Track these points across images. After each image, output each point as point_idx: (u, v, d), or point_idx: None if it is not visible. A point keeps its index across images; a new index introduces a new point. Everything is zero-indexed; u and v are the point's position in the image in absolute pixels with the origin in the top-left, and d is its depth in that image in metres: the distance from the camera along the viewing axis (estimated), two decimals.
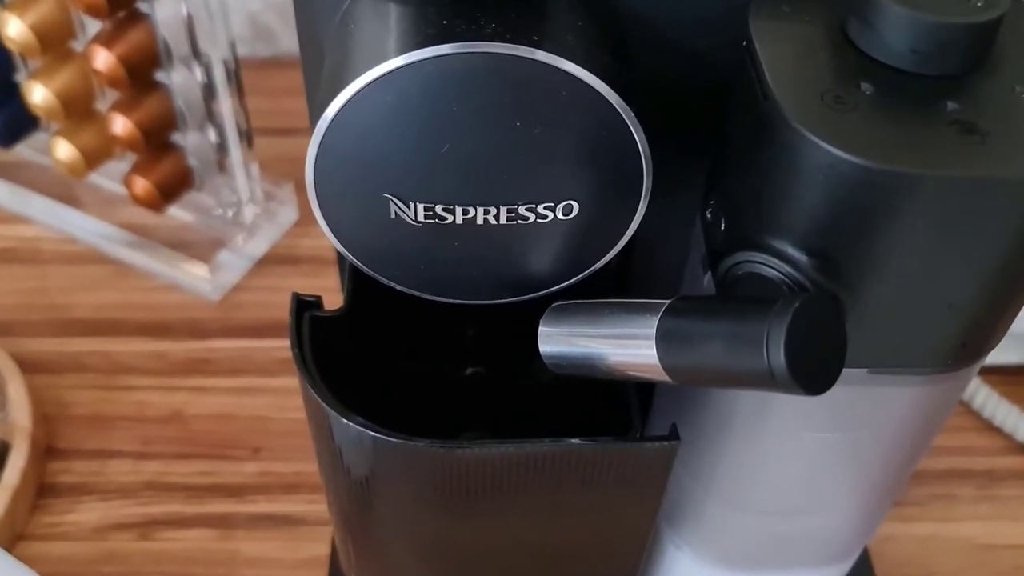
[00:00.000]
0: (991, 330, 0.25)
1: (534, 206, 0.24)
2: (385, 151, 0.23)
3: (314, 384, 0.28)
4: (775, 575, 0.34)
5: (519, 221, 0.24)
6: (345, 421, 0.27)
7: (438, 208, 0.24)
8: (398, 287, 0.27)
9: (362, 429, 0.27)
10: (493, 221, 0.24)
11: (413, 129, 0.23)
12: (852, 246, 0.22)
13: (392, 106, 0.23)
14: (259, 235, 0.55)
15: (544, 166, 0.23)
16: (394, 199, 0.24)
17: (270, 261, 0.55)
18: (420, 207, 0.24)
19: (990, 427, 0.49)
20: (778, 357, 0.20)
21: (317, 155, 0.24)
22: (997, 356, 0.50)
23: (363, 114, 0.23)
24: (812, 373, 0.20)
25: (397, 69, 0.22)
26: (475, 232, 0.24)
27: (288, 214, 0.57)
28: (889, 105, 0.21)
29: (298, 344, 0.29)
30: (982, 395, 0.49)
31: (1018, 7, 0.23)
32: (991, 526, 0.46)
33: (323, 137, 0.23)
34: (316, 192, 0.24)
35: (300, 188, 0.57)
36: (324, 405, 0.28)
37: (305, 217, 0.58)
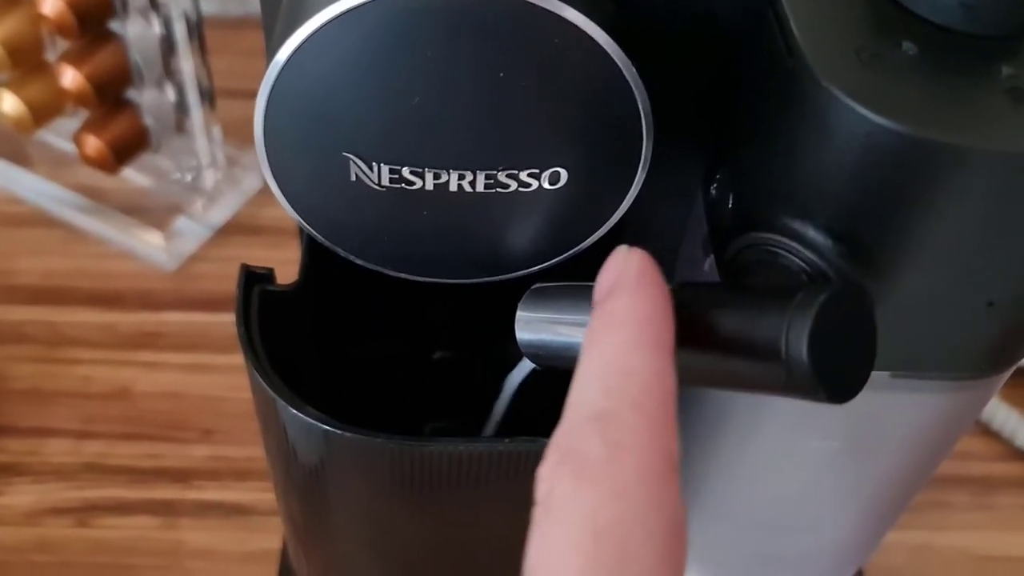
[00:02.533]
0: None
1: (516, 173, 0.21)
2: (346, 103, 0.20)
3: (260, 367, 0.25)
4: None
5: (498, 190, 0.21)
6: (294, 411, 0.24)
7: (405, 171, 0.20)
8: (359, 261, 0.23)
9: (312, 420, 0.24)
10: (468, 188, 0.21)
11: (378, 78, 0.20)
12: (885, 229, 0.19)
13: (354, 50, 0.19)
14: (220, 202, 0.51)
15: (529, 126, 0.20)
16: (355, 159, 0.21)
17: (231, 230, 0.52)
18: (384, 169, 0.21)
19: (988, 431, 0.46)
20: (800, 358, 0.17)
21: (267, 106, 0.21)
22: None
23: (320, 59, 0.20)
24: (838, 377, 0.17)
25: (361, 6, 0.19)
26: (447, 201, 0.21)
27: (252, 181, 0.53)
28: (934, 67, 0.18)
29: (244, 322, 0.25)
30: None
31: None
32: (986, 536, 0.43)
33: (274, 85, 0.20)
34: (266, 149, 0.21)
35: None
36: (271, 392, 0.25)
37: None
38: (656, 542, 0.16)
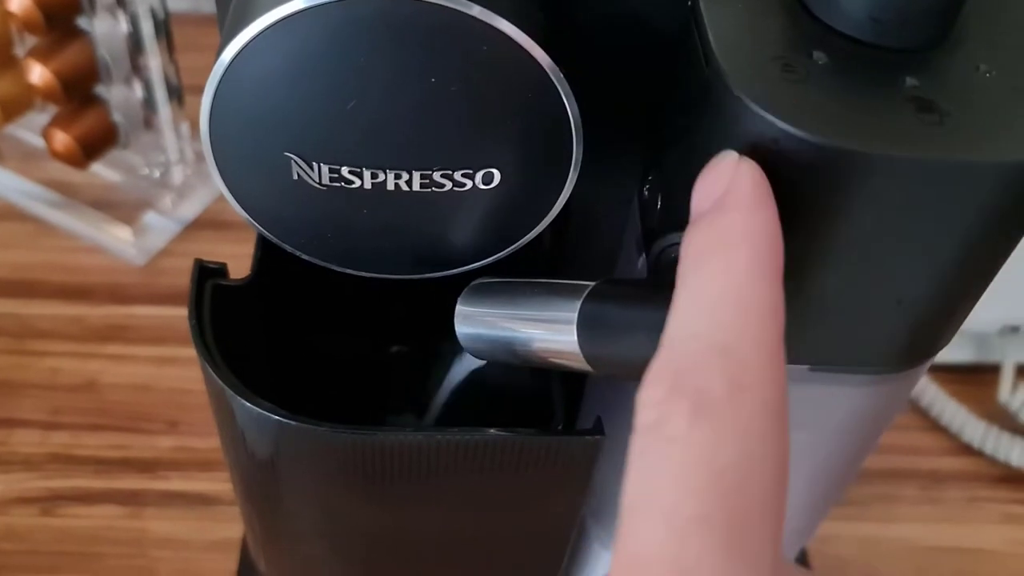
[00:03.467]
0: (942, 329, 0.23)
1: (450, 173, 0.21)
2: (287, 104, 0.21)
3: (211, 359, 0.26)
4: None
5: (434, 189, 0.22)
6: (245, 402, 0.25)
7: (344, 170, 0.21)
8: (305, 257, 0.24)
9: (262, 411, 0.25)
10: (405, 188, 0.22)
11: (317, 81, 0.20)
12: (796, 231, 0.20)
13: (295, 54, 0.20)
14: (189, 198, 0.52)
15: (461, 129, 0.21)
16: (296, 158, 0.21)
17: (200, 226, 0.53)
18: (324, 168, 0.21)
19: (936, 427, 0.48)
20: None
21: (212, 106, 0.21)
22: (946, 354, 0.49)
23: (263, 61, 0.20)
24: None
25: (301, 11, 0.20)
26: (386, 199, 0.22)
27: None
28: (843, 77, 0.19)
29: (196, 315, 0.26)
30: (929, 394, 0.48)
31: None
32: (934, 528, 0.45)
33: (218, 86, 0.21)
34: (212, 147, 0.22)
35: None
36: (222, 383, 0.25)
37: None
38: (772, 485, 0.16)
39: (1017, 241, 0.21)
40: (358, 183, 0.22)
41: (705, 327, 0.16)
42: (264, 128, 0.21)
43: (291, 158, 0.21)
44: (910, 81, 0.19)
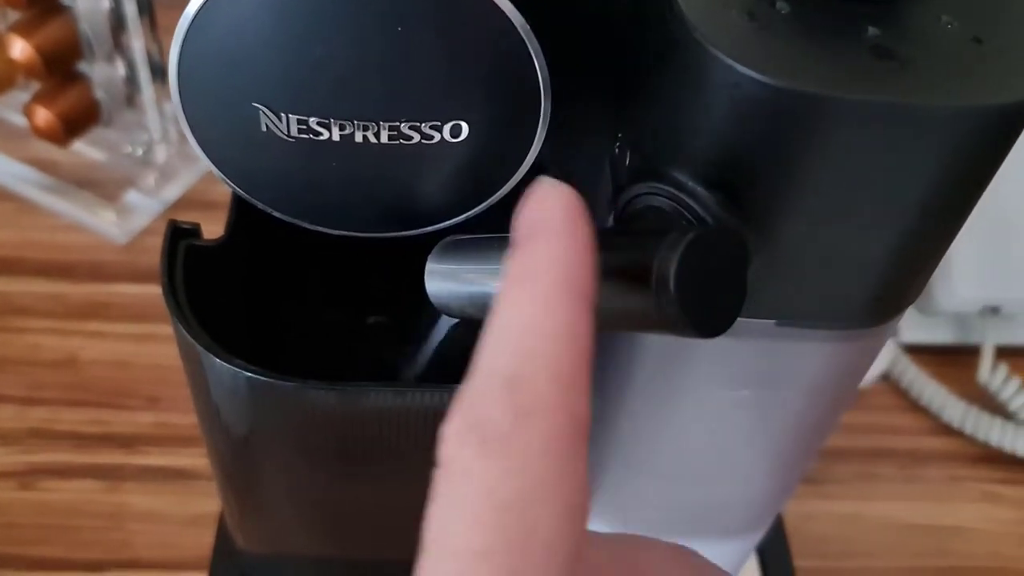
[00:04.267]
0: (907, 283, 0.23)
1: (418, 125, 0.22)
2: (254, 55, 0.21)
3: (183, 318, 0.26)
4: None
5: (402, 141, 0.22)
6: (216, 360, 0.25)
7: (312, 122, 0.21)
8: (276, 213, 0.24)
9: (235, 369, 0.25)
10: (373, 140, 0.22)
11: (285, 30, 0.20)
12: (757, 179, 0.20)
13: (262, 3, 0.20)
14: (173, 178, 0.52)
15: (429, 80, 0.21)
16: (264, 109, 0.21)
17: (184, 205, 0.52)
18: (293, 119, 0.21)
19: (916, 407, 0.48)
20: (668, 294, 0.18)
21: (180, 57, 0.21)
22: (926, 335, 0.49)
23: (229, 11, 0.20)
24: (707, 313, 0.18)
25: None
26: (355, 152, 0.22)
27: None
28: (805, 25, 0.19)
29: (168, 274, 0.26)
30: (910, 374, 0.48)
31: None
32: (913, 506, 0.45)
33: (185, 36, 0.21)
34: (182, 100, 0.22)
35: None
36: (194, 342, 0.25)
37: None
38: (558, 518, 0.15)
39: (980, 189, 0.21)
40: (326, 135, 0.22)
41: (501, 358, 0.16)
42: (232, 79, 0.21)
43: (259, 109, 0.21)
44: (872, 30, 0.20)
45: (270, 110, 0.21)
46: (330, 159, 0.22)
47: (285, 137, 0.22)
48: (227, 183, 0.24)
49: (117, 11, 0.44)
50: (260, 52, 0.21)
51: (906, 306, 0.24)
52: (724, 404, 0.26)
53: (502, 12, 0.20)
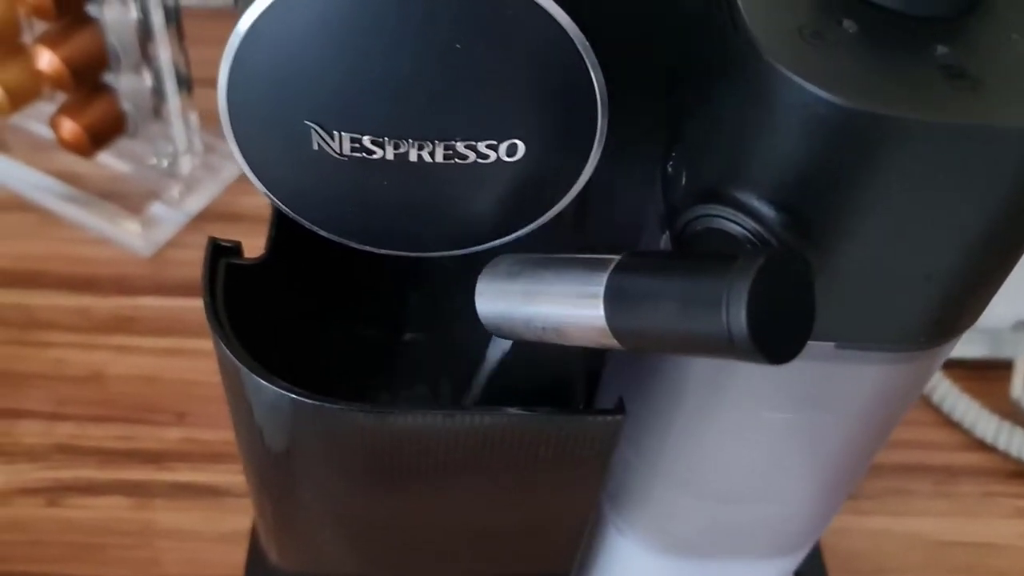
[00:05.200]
0: (968, 306, 0.23)
1: (474, 144, 0.21)
2: (307, 73, 0.20)
3: (226, 338, 0.25)
4: (722, 565, 0.31)
5: (457, 160, 0.21)
6: (261, 381, 0.25)
7: (365, 140, 0.21)
8: (324, 233, 0.24)
9: (279, 390, 0.25)
10: (428, 159, 0.21)
11: (339, 48, 0.20)
12: (824, 200, 0.19)
13: (315, 20, 0.20)
14: (198, 190, 0.52)
15: (486, 98, 0.21)
16: (316, 127, 0.21)
17: (208, 217, 0.52)
18: (346, 138, 0.21)
19: (949, 422, 0.47)
20: (739, 320, 0.17)
21: (230, 74, 0.21)
22: (959, 349, 0.49)
23: (282, 29, 0.20)
24: (776, 339, 0.18)
25: None
26: (409, 171, 0.22)
27: (231, 169, 0.54)
28: (873, 45, 0.19)
29: (210, 292, 0.26)
30: (942, 389, 0.47)
31: None
32: (946, 522, 0.44)
33: (236, 54, 0.21)
34: (231, 120, 0.22)
35: None
36: (237, 363, 0.25)
37: None
38: None
39: None
40: (380, 154, 0.21)
41: None
42: (284, 97, 0.21)
43: (311, 127, 0.21)
44: (941, 49, 0.19)
45: (322, 128, 0.21)
46: (382, 178, 0.22)
47: (337, 156, 0.21)
48: (275, 202, 0.23)
49: (145, 22, 0.44)
50: (313, 69, 0.20)
51: (965, 328, 0.23)
52: (774, 426, 0.26)
53: (562, 29, 0.20)
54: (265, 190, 0.23)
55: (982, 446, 0.47)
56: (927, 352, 0.23)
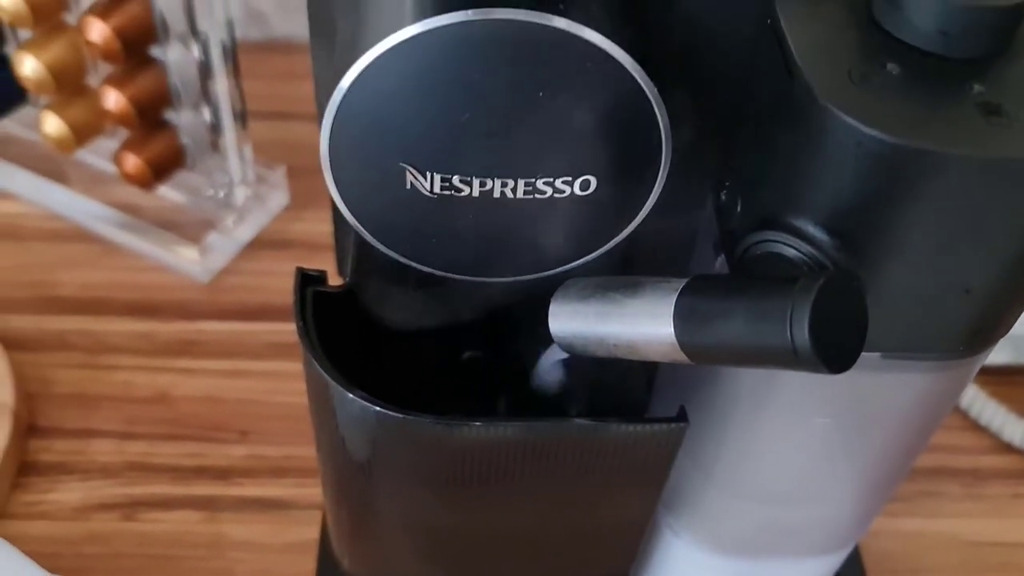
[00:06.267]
0: (1004, 317, 0.25)
1: (552, 180, 0.23)
2: (402, 120, 0.23)
3: (317, 357, 0.28)
4: (771, 563, 0.33)
5: (536, 195, 0.24)
6: (350, 395, 0.27)
7: (455, 179, 0.23)
8: (410, 263, 0.26)
9: (366, 403, 0.27)
10: (510, 195, 0.24)
11: (431, 98, 0.22)
12: (874, 226, 0.22)
13: (410, 74, 0.22)
14: (249, 219, 0.54)
15: (564, 139, 0.23)
16: (410, 168, 0.23)
17: (260, 245, 0.55)
18: (437, 177, 0.23)
19: (976, 426, 0.49)
20: (802, 334, 0.20)
21: (332, 127, 0.23)
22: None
23: (380, 83, 0.22)
24: (834, 351, 0.20)
25: (415, 36, 0.22)
26: (490, 206, 0.24)
27: (279, 198, 0.56)
28: (915, 85, 0.21)
29: (301, 316, 0.28)
30: (970, 394, 0.49)
31: None
32: (977, 523, 0.46)
33: (338, 108, 0.23)
34: (331, 163, 0.24)
35: (292, 172, 0.56)
36: (328, 378, 0.27)
37: (296, 202, 0.57)
38: None
39: None
40: (467, 191, 0.24)
41: None
42: (380, 143, 0.23)
43: (406, 168, 0.23)
44: (977, 87, 0.21)
45: (416, 169, 0.23)
46: (467, 213, 0.24)
47: (427, 194, 0.24)
48: (367, 237, 0.25)
49: (205, 62, 0.46)
50: (408, 118, 0.23)
51: (1000, 336, 0.25)
52: (823, 431, 0.28)
53: (633, 77, 0.22)
54: (358, 225, 0.25)
55: (1009, 449, 0.48)
56: (965, 360, 0.25)
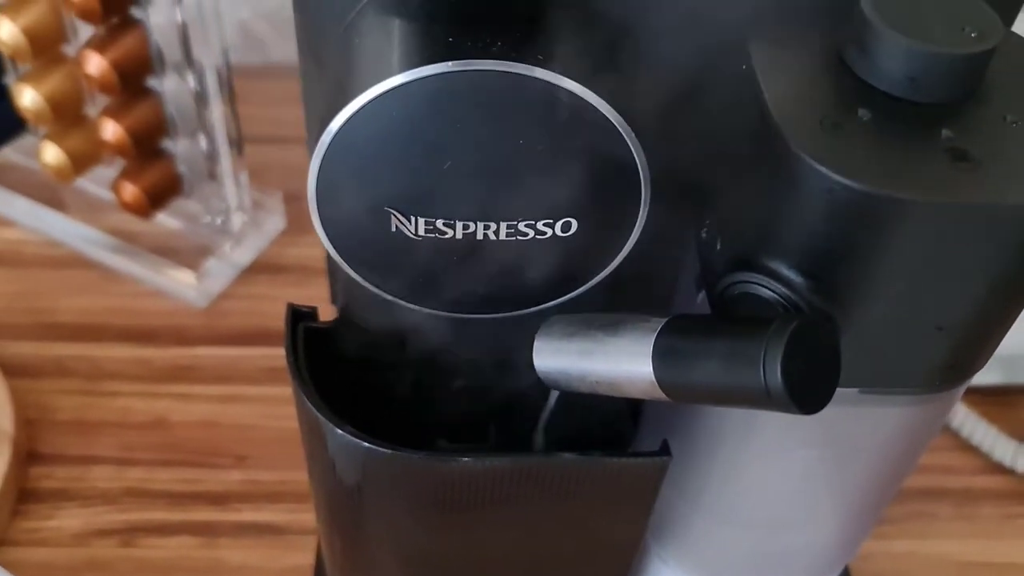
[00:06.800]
0: (978, 352, 0.25)
1: (533, 223, 0.24)
2: (388, 165, 0.23)
3: (308, 393, 0.28)
4: None
5: (518, 237, 0.24)
6: (339, 431, 0.28)
7: (439, 223, 0.24)
8: (397, 300, 0.27)
9: (355, 439, 0.28)
10: (493, 237, 0.24)
11: (415, 144, 0.23)
12: (847, 268, 0.22)
13: (396, 121, 0.23)
14: (246, 243, 0.55)
15: (545, 184, 0.23)
16: (395, 213, 0.24)
17: (256, 270, 0.55)
18: (421, 221, 0.24)
19: (968, 447, 0.50)
20: (775, 377, 0.20)
21: (320, 169, 0.24)
22: (976, 377, 0.51)
23: (367, 129, 0.23)
24: (807, 393, 0.21)
25: (402, 85, 0.22)
26: (475, 248, 0.25)
27: (275, 223, 0.57)
28: (886, 131, 0.22)
29: (292, 352, 0.29)
30: (960, 415, 0.49)
31: (1007, 38, 0.24)
32: (968, 544, 0.46)
33: (326, 151, 0.23)
34: (318, 206, 0.25)
35: (288, 197, 0.57)
36: (318, 414, 0.28)
37: (292, 226, 0.58)
38: None
39: None
40: (451, 233, 0.24)
41: None
42: (366, 187, 0.24)
43: (391, 212, 0.24)
44: (946, 133, 0.22)
45: (401, 214, 0.24)
46: (451, 254, 0.25)
47: (412, 236, 0.24)
48: (355, 276, 0.26)
49: (201, 91, 0.47)
50: (394, 163, 0.23)
51: (976, 370, 0.26)
52: (806, 462, 0.28)
53: (612, 124, 0.23)
54: (346, 265, 0.26)
55: (1000, 469, 0.49)
56: (942, 394, 0.26)
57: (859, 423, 0.27)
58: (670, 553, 0.34)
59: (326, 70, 0.26)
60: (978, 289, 0.23)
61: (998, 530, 0.47)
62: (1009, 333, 0.50)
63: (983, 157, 0.21)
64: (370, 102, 0.23)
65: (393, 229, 0.24)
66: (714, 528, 0.32)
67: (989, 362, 0.51)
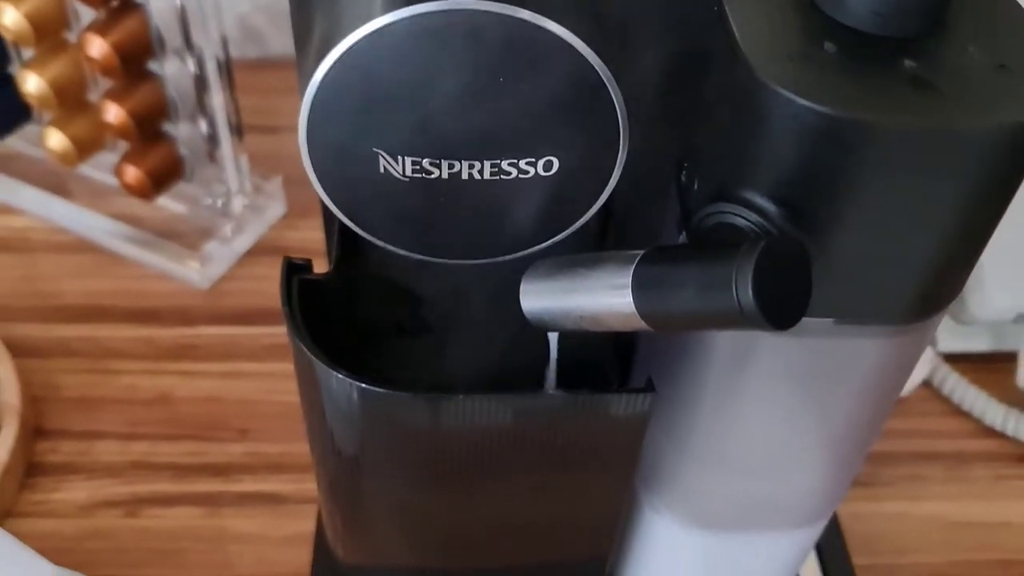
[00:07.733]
0: (948, 283, 0.26)
1: (516, 162, 0.25)
2: (374, 107, 0.24)
3: (303, 338, 0.29)
4: (750, 537, 0.35)
5: (502, 176, 0.25)
6: (333, 373, 0.28)
7: (425, 162, 0.25)
8: (387, 246, 0.28)
9: (349, 380, 0.28)
10: (477, 176, 0.25)
11: (400, 85, 0.24)
12: (816, 195, 0.23)
13: (380, 63, 0.24)
14: (247, 227, 0.56)
15: (526, 122, 0.24)
16: (383, 154, 0.25)
17: (257, 252, 0.56)
18: (408, 161, 0.25)
19: (959, 412, 0.50)
20: (746, 294, 0.21)
21: (309, 113, 0.25)
22: (966, 343, 0.52)
23: (352, 72, 0.24)
24: (779, 309, 0.22)
25: (384, 26, 0.23)
26: (460, 188, 0.25)
27: (276, 208, 0.58)
28: (851, 63, 0.23)
29: (287, 302, 0.30)
30: (951, 381, 0.50)
31: None
32: (959, 505, 0.47)
33: (314, 96, 0.24)
34: (308, 151, 0.26)
35: (288, 183, 0.58)
36: (312, 358, 0.29)
37: (292, 211, 0.59)
38: None
39: (1009, 198, 0.24)
40: (436, 173, 0.25)
41: None
42: (354, 130, 0.25)
43: (379, 154, 0.25)
44: (909, 63, 0.23)
45: (388, 154, 0.25)
46: (438, 195, 0.26)
47: (400, 177, 0.25)
48: (347, 222, 0.27)
49: (201, 76, 0.48)
50: (381, 105, 0.24)
51: (948, 302, 0.27)
52: (789, 399, 0.29)
53: (591, 65, 0.24)
54: (338, 211, 0.27)
55: (991, 433, 0.50)
56: (916, 325, 0.27)
57: (837, 356, 0.27)
58: (662, 501, 0.34)
59: (314, 27, 0.27)
60: (943, 219, 0.24)
61: (990, 490, 0.48)
62: (996, 300, 0.51)
63: (945, 85, 0.22)
64: (354, 45, 0.24)
65: (381, 171, 0.25)
66: (703, 473, 0.32)
67: (978, 328, 0.52)
